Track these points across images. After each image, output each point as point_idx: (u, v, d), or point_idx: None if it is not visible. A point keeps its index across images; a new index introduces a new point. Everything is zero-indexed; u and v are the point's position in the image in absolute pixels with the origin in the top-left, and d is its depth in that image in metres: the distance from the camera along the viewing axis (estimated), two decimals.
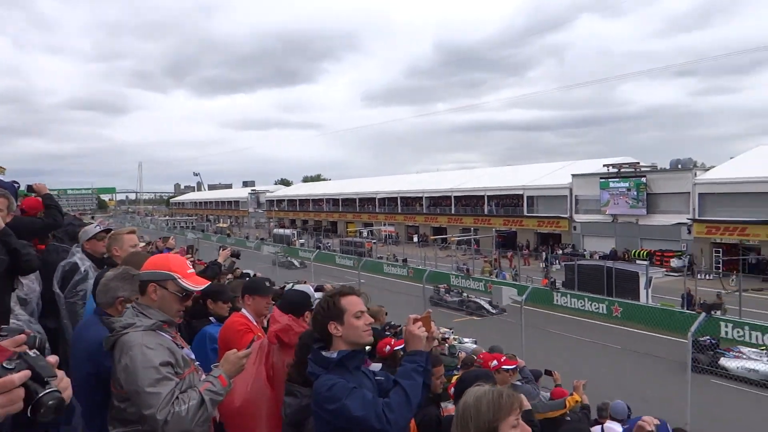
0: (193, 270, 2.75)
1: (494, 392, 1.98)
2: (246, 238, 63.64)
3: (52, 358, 1.61)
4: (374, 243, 50.05)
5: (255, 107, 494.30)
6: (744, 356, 16.02)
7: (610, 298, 23.64)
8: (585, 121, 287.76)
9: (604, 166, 43.06)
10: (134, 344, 2.41)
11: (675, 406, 10.01)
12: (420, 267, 35.38)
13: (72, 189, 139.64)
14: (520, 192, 49.79)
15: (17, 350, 1.55)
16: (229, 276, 7.66)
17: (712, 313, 18.80)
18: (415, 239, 55.30)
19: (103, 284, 3.06)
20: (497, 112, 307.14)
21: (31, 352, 1.56)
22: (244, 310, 4.05)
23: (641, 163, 42.38)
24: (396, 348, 4.77)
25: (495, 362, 5.26)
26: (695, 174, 37.50)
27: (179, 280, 2.61)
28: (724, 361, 15.95)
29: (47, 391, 1.49)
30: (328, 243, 55.73)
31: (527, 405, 2.97)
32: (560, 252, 42.64)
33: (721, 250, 35.54)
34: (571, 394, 6.17)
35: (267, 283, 4.78)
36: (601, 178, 42.46)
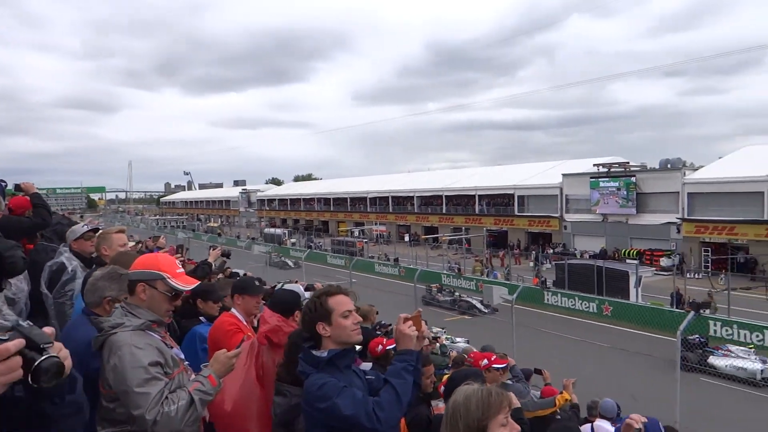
0: (182, 269, 2.73)
1: (483, 391, 1.99)
2: (237, 238, 63.40)
3: (48, 329, 1.64)
4: (365, 242, 50.01)
5: (246, 106, 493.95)
6: (732, 354, 16.15)
7: (601, 297, 23.75)
8: (575, 120, 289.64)
9: (594, 165, 43.28)
10: (123, 344, 2.40)
11: (664, 405, 10.06)
12: (411, 266, 35.39)
13: (61, 188, 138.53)
14: (511, 191, 49.95)
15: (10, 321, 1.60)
16: (220, 275, 7.63)
17: (701, 311, 18.95)
18: (407, 239, 55.36)
19: (90, 284, 3.04)
20: (488, 111, 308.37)
21: (25, 323, 1.59)
22: (233, 310, 4.03)
23: (631, 163, 42.64)
24: (388, 347, 4.77)
25: (485, 361, 5.27)
26: (684, 174, 37.80)
27: (168, 279, 2.60)
28: (712, 360, 16.08)
29: (45, 357, 1.53)
30: (319, 242, 55.65)
31: (516, 403, 2.99)
32: (551, 251, 42.80)
33: (709, 249, 35.82)
34: (561, 393, 6.19)
35: (257, 283, 4.77)
36: (591, 177, 42.69)
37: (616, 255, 38.98)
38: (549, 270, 33.56)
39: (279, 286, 9.47)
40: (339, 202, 73.31)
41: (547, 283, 27.89)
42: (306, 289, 5.43)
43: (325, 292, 2.57)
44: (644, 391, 13.10)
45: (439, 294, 27.08)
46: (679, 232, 37.27)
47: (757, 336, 17.54)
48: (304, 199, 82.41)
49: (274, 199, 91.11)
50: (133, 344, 2.40)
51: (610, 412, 6.72)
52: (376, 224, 62.48)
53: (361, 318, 2.67)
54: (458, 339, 16.21)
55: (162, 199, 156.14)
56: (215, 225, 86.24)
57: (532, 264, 38.29)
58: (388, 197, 64.55)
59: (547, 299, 25.38)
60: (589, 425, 6.06)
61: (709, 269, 32.14)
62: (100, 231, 4.50)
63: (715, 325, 18.59)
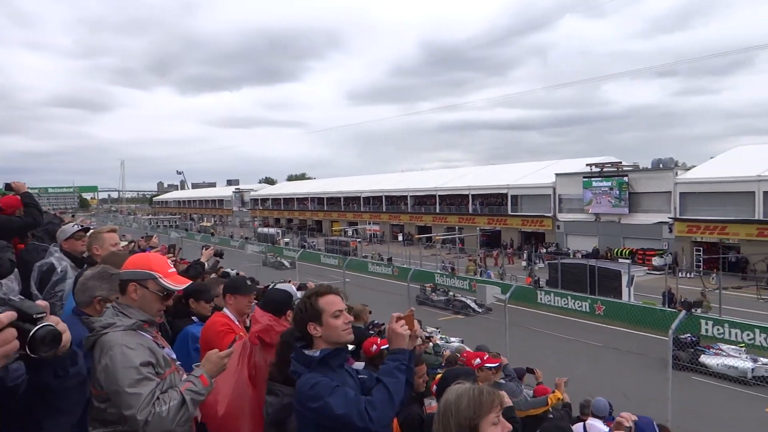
0: (174, 269, 2.73)
1: (475, 390, 1.99)
2: (230, 237, 63.23)
3: (41, 302, 1.67)
4: (359, 242, 50.02)
5: (239, 105, 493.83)
6: (724, 353, 16.24)
7: (593, 297, 23.83)
8: (568, 120, 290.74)
9: (587, 165, 43.44)
10: (114, 344, 2.38)
11: (656, 403, 10.11)
12: (405, 266, 35.44)
13: (53, 187, 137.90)
14: (505, 191, 50.07)
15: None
16: (213, 275, 7.61)
17: (693, 311, 19.06)
18: (400, 238, 55.39)
19: (81, 283, 3.02)
20: (482, 111, 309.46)
21: (16, 298, 1.60)
22: (225, 310, 4.02)
23: (623, 163, 42.83)
24: (382, 347, 4.77)
25: (478, 360, 5.28)
26: (676, 173, 38.02)
27: (160, 279, 2.59)
28: (704, 359, 16.16)
29: (39, 326, 1.56)
30: (312, 242, 55.59)
31: (508, 402, 2.99)
32: (544, 251, 42.94)
33: (701, 248, 36.03)
34: (554, 392, 6.21)
35: (248, 282, 4.75)
36: (584, 177, 42.85)
37: (609, 254, 39.15)
38: (542, 269, 33.66)
39: (272, 285, 9.46)
40: (332, 202, 73.26)
41: (540, 283, 27.97)
42: (298, 289, 5.41)
43: (316, 292, 2.57)
44: (636, 390, 13.16)
45: (433, 294, 27.12)
46: (671, 231, 37.46)
47: (748, 335, 17.65)
48: (297, 198, 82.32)
49: (268, 199, 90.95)
50: (124, 344, 2.39)
51: (603, 411, 6.74)
52: (369, 224, 62.50)
53: (353, 318, 2.67)
54: (452, 339, 16.23)
55: (155, 199, 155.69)
56: (208, 224, 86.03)
57: (524, 263, 38.40)
58: (381, 197, 64.56)
59: (540, 299, 25.45)
60: (581, 424, 6.08)
61: (701, 269, 32.33)
62: (92, 230, 4.48)
63: (706, 324, 18.69)
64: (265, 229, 64.71)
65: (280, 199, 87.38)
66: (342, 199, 71.21)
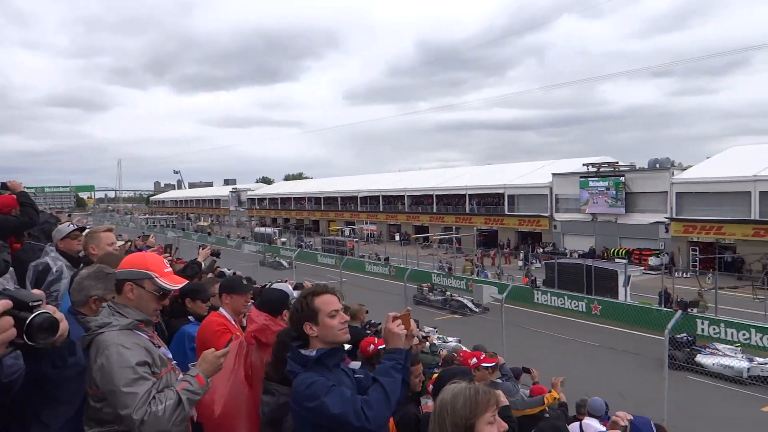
0: (170, 269, 2.72)
1: (471, 389, 1.99)
2: (227, 237, 63.19)
3: (37, 291, 1.66)
4: (356, 242, 50.00)
5: (236, 105, 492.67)
6: (720, 353, 16.27)
7: (590, 296, 23.87)
8: (565, 120, 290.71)
9: (583, 165, 43.51)
10: (110, 344, 2.39)
11: (652, 403, 10.13)
12: (402, 266, 35.43)
13: (50, 187, 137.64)
14: (501, 191, 50.11)
15: None
16: (210, 275, 7.61)
17: (689, 310, 19.11)
18: (397, 238, 55.40)
19: (77, 283, 3.02)
20: (479, 111, 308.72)
21: (11, 286, 1.61)
22: (222, 309, 4.02)
23: (620, 163, 42.91)
24: (380, 347, 4.77)
25: (474, 360, 5.29)
26: (673, 173, 38.11)
27: (156, 278, 2.59)
28: (700, 358, 16.20)
29: (36, 313, 1.57)
30: (309, 242, 55.53)
31: (504, 401, 3.00)
32: (541, 250, 42.99)
33: (697, 248, 36.12)
34: (550, 391, 6.23)
35: (244, 281, 4.75)
36: (580, 177, 42.91)
37: (605, 254, 39.20)
38: (539, 269, 33.71)
39: (268, 285, 9.46)
40: (329, 202, 73.23)
41: (537, 283, 28.01)
42: (295, 288, 5.42)
43: (312, 292, 2.57)
44: (633, 390, 13.19)
45: (431, 293, 27.13)
46: (667, 231, 37.54)
47: (744, 334, 17.69)
48: (294, 198, 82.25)
49: (265, 198, 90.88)
50: (120, 344, 2.39)
51: (599, 411, 6.76)
52: (366, 223, 62.49)
53: (349, 317, 2.68)
54: (450, 338, 16.24)
55: (152, 198, 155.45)
56: (205, 224, 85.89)
57: (521, 263, 38.48)
58: (378, 196, 64.55)
59: (537, 298, 25.48)
60: (577, 423, 6.09)
61: (697, 268, 32.41)
62: (88, 230, 4.47)
63: (702, 323, 18.73)
64: (262, 229, 64.71)
65: (277, 198, 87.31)
66: (339, 199, 71.19)
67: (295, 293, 3.86)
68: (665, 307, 21.92)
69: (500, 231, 49.84)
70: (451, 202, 56.15)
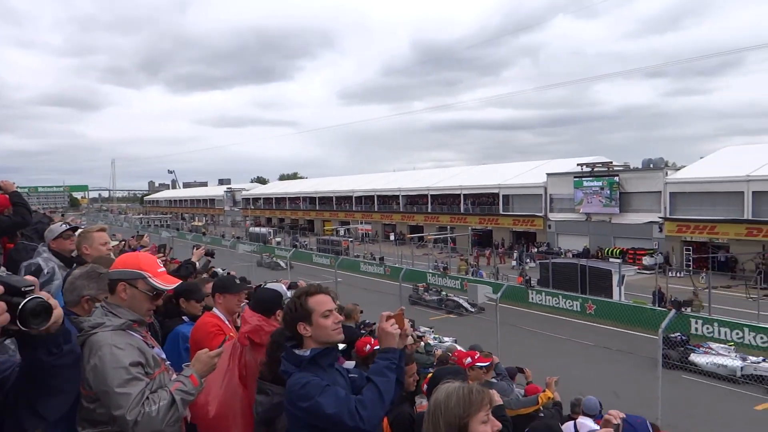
0: (163, 269, 2.71)
1: (464, 388, 1.99)
2: (222, 237, 63.04)
3: (30, 277, 1.67)
4: (351, 241, 50.00)
5: (231, 104, 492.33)
6: (713, 352, 16.35)
7: (584, 296, 23.93)
8: (560, 120, 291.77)
9: (578, 165, 43.61)
10: (103, 344, 2.37)
11: (646, 402, 10.17)
12: (397, 265, 35.45)
13: (43, 186, 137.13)
14: (496, 191, 50.19)
15: None
16: (204, 275, 7.59)
17: (683, 310, 19.18)
18: (392, 237, 55.40)
19: (69, 282, 3.00)
20: (473, 111, 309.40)
21: (3, 273, 1.60)
22: (215, 309, 4.01)
23: (614, 163, 43.06)
24: (376, 348, 4.77)
25: (468, 359, 5.29)
26: (666, 173, 38.26)
27: (149, 278, 2.57)
28: (694, 357, 16.26)
29: (28, 298, 1.56)
30: (304, 241, 55.52)
31: (498, 401, 3.00)
32: (535, 250, 43.08)
33: (691, 248, 36.28)
34: (544, 391, 6.24)
35: (237, 281, 4.74)
36: (575, 177, 43.02)
37: (600, 254, 39.35)
38: (533, 269, 33.79)
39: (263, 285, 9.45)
40: (324, 201, 73.18)
41: (532, 282, 28.07)
42: (289, 288, 5.41)
43: (306, 292, 2.56)
44: (627, 389, 13.22)
45: (426, 293, 27.15)
46: (661, 231, 37.69)
47: (737, 334, 17.79)
48: (289, 198, 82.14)
49: (260, 198, 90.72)
50: (113, 344, 2.38)
51: (593, 410, 6.78)
52: (361, 223, 62.49)
53: (343, 317, 2.67)
54: (446, 338, 16.25)
55: (146, 198, 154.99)
56: (200, 224, 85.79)
57: (514, 263, 38.55)
58: (373, 196, 64.54)
59: (532, 298, 25.54)
60: (572, 423, 6.11)
61: (691, 268, 32.55)
62: (81, 230, 4.45)
63: (696, 323, 18.82)
64: (257, 229, 64.62)
65: (271, 198, 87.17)
66: (334, 199, 71.14)
67: (289, 293, 3.85)
68: (659, 306, 22.00)
69: (495, 231, 49.91)
70: (445, 201, 56.19)
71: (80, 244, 4.15)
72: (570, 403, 7.49)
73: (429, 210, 57.17)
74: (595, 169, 42.23)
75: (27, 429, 1.87)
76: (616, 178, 40.36)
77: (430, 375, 4.44)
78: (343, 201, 69.62)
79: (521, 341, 17.83)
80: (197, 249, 7.14)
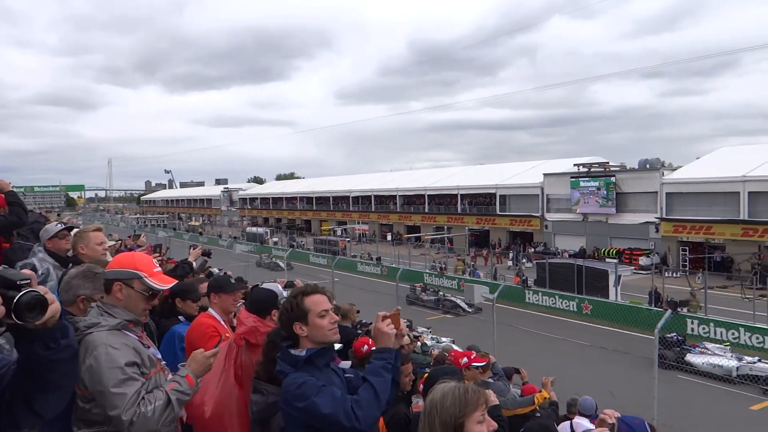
0: (159, 268, 2.71)
1: (460, 388, 1.99)
2: (219, 237, 62.95)
3: (27, 271, 1.67)
4: (348, 241, 49.97)
5: (227, 104, 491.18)
6: (709, 352, 16.38)
7: (581, 296, 23.97)
8: (557, 120, 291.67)
9: (574, 165, 43.70)
10: (99, 344, 2.37)
11: (642, 402, 10.19)
12: (394, 265, 35.45)
13: (39, 186, 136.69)
14: (493, 191, 50.23)
15: None
16: (202, 275, 7.58)
17: (679, 310, 19.21)
18: (389, 237, 55.41)
19: (65, 282, 3.00)
20: (471, 111, 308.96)
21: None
22: (211, 310, 4.00)
23: (611, 163, 43.11)
24: (374, 348, 4.76)
25: (465, 359, 5.30)
26: (663, 174, 38.34)
27: (145, 278, 2.57)
28: (690, 357, 16.29)
29: (23, 292, 1.56)
30: (301, 241, 55.48)
31: (494, 401, 3.00)
32: (532, 250, 43.13)
33: (687, 248, 36.36)
34: (540, 391, 6.25)
35: (232, 280, 4.74)
36: (571, 177, 43.09)
37: (596, 254, 39.40)
38: (530, 269, 33.82)
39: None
40: (321, 201, 73.13)
41: (528, 282, 28.09)
42: (285, 287, 5.40)
43: (302, 292, 2.56)
44: (623, 389, 13.23)
45: (423, 293, 27.15)
46: (657, 231, 37.77)
47: (733, 334, 17.82)
48: (286, 198, 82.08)
49: (256, 198, 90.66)
50: (109, 344, 2.38)
51: (589, 410, 6.79)
52: (358, 223, 62.46)
53: (339, 317, 2.67)
54: (443, 338, 16.26)
55: (142, 198, 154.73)
56: (197, 224, 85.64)
57: (509, 263, 38.57)
58: (370, 196, 64.51)
59: (528, 298, 25.56)
60: (568, 423, 6.12)
61: (687, 268, 32.62)
62: (77, 229, 4.43)
63: (692, 323, 18.85)
64: (254, 229, 64.59)
65: (268, 198, 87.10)
66: (331, 199, 71.10)
67: (285, 293, 3.84)
68: (655, 306, 22.05)
69: (492, 231, 49.96)
70: (442, 201, 56.21)
71: (76, 244, 4.14)
72: (566, 403, 7.50)
73: (426, 210, 57.17)
74: (592, 170, 42.30)
75: (23, 427, 1.86)
76: (613, 179, 40.44)
77: (426, 375, 4.44)
78: (340, 201, 69.58)
79: (518, 341, 17.84)
80: (194, 249, 7.13)
